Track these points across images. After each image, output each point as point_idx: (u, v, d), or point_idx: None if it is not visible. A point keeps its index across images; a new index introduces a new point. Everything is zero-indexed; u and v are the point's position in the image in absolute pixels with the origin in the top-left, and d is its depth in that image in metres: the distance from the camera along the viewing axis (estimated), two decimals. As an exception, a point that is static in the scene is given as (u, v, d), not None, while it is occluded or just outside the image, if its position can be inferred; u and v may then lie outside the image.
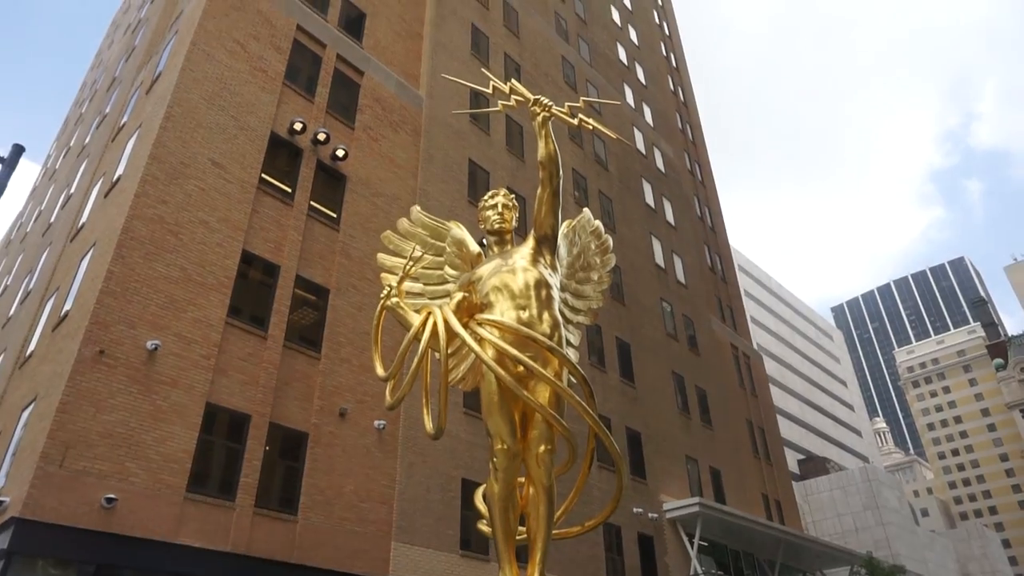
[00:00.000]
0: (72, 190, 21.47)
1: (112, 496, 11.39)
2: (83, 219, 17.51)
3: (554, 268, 5.11)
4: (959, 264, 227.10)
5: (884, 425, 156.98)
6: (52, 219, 22.62)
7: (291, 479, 14.44)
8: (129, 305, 12.99)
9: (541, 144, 5.06)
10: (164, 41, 19.44)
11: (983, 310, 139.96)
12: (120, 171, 16.13)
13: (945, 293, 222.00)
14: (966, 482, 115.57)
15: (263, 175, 16.55)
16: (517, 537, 4.67)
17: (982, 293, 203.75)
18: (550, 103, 5.13)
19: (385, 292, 5.02)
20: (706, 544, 25.17)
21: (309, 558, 13.72)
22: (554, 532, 4.68)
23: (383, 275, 5.43)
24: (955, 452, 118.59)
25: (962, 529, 74.40)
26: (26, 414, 13.18)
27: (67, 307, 14.29)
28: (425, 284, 5.58)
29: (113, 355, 12.40)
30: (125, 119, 19.10)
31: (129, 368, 12.54)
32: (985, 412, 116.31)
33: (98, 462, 11.57)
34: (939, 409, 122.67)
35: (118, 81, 24.25)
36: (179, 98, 15.54)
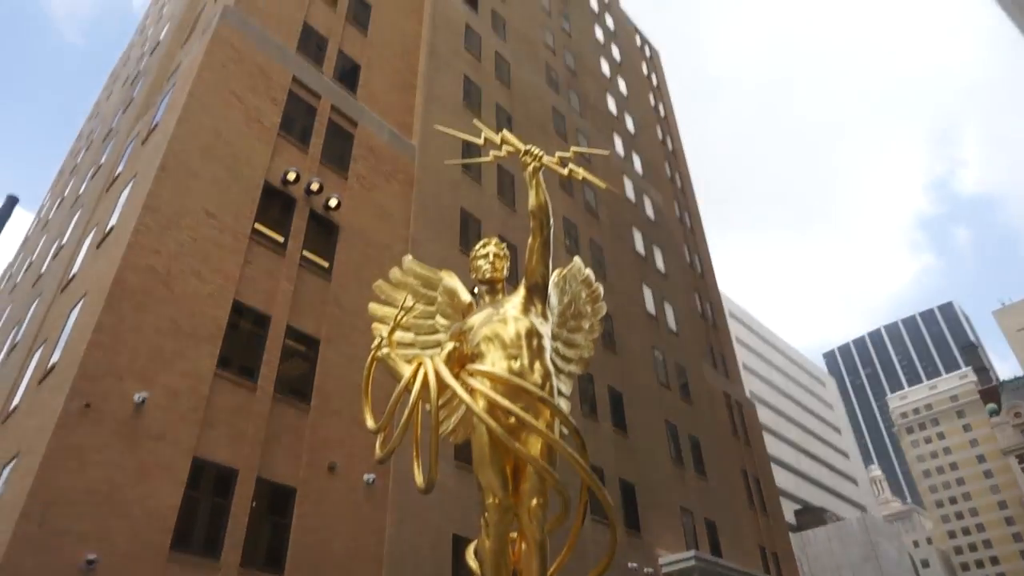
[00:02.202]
0: (64, 240, 21.46)
1: (93, 557, 11.03)
2: (74, 269, 17.45)
3: (545, 317, 5.10)
4: (948, 309, 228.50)
5: (880, 473, 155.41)
6: (43, 270, 22.53)
7: (278, 536, 14.08)
8: (118, 357, 12.84)
9: (532, 193, 5.11)
10: (162, 93, 19.73)
11: (974, 355, 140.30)
12: (113, 221, 16.15)
13: (936, 338, 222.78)
14: (966, 531, 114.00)
15: (256, 225, 16.61)
16: (510, 595, 4.54)
17: (972, 338, 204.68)
18: (541, 153, 5.19)
19: (376, 342, 4.98)
20: (704, 598, 24.51)
21: (296, 618, 13.27)
22: (548, 590, 4.55)
23: (374, 325, 5.40)
24: (953, 500, 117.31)
25: (964, 580, 73.06)
26: (7, 471, 12.85)
27: (54, 359, 14.11)
28: (416, 334, 5.55)
29: (99, 409, 12.19)
30: (120, 169, 19.23)
31: (115, 422, 12.32)
32: (981, 459, 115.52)
33: (80, 521, 11.25)
34: (934, 456, 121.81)
35: (114, 132, 24.50)
36: (175, 149, 15.69)
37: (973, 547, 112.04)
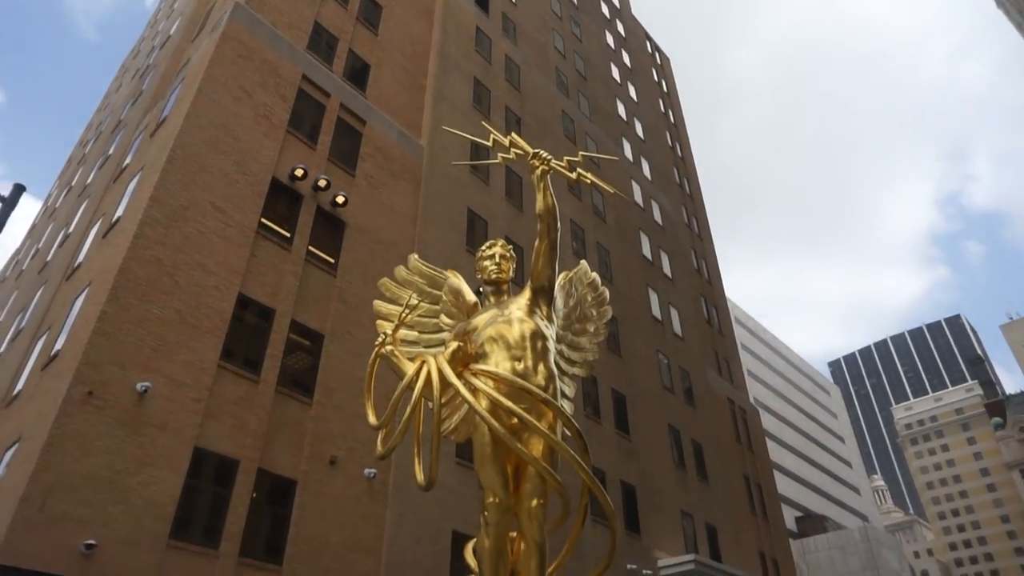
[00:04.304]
0: (71, 229, 21.55)
1: (92, 542, 11.09)
2: (80, 259, 17.53)
3: (550, 319, 5.10)
4: (955, 322, 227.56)
5: (883, 483, 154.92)
6: (49, 257, 22.64)
7: (277, 527, 14.11)
8: (121, 346, 12.89)
9: (539, 196, 5.11)
10: (171, 86, 19.79)
11: (980, 368, 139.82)
12: (120, 212, 16.22)
13: (942, 350, 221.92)
14: (967, 543, 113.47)
15: (263, 220, 16.66)
16: (508, 594, 4.53)
17: (979, 351, 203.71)
18: (549, 156, 5.19)
19: (380, 339, 4.98)
20: (702, 604, 24.45)
21: (293, 612, 13.30)
22: (545, 590, 4.55)
23: (379, 322, 5.40)
24: (955, 512, 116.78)
25: (963, 593, 72.66)
26: (9, 455, 12.93)
27: (58, 346, 14.18)
28: (420, 332, 5.56)
29: (102, 396, 12.24)
30: (128, 161, 19.30)
31: (117, 410, 12.36)
32: (985, 472, 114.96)
33: (80, 506, 11.30)
34: (938, 468, 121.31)
35: (123, 124, 24.59)
36: (183, 142, 15.74)
37: (974, 559, 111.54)
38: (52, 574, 10.64)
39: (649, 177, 39.75)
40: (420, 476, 4.58)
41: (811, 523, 56.12)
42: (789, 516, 52.08)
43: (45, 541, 10.75)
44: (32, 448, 11.69)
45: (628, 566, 22.16)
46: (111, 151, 23.33)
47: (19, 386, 15.46)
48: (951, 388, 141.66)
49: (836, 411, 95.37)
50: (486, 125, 5.81)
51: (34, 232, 32.71)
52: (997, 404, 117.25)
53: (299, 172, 17.72)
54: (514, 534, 4.61)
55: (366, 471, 15.85)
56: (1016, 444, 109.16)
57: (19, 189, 11.40)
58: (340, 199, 18.41)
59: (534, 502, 4.47)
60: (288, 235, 17.15)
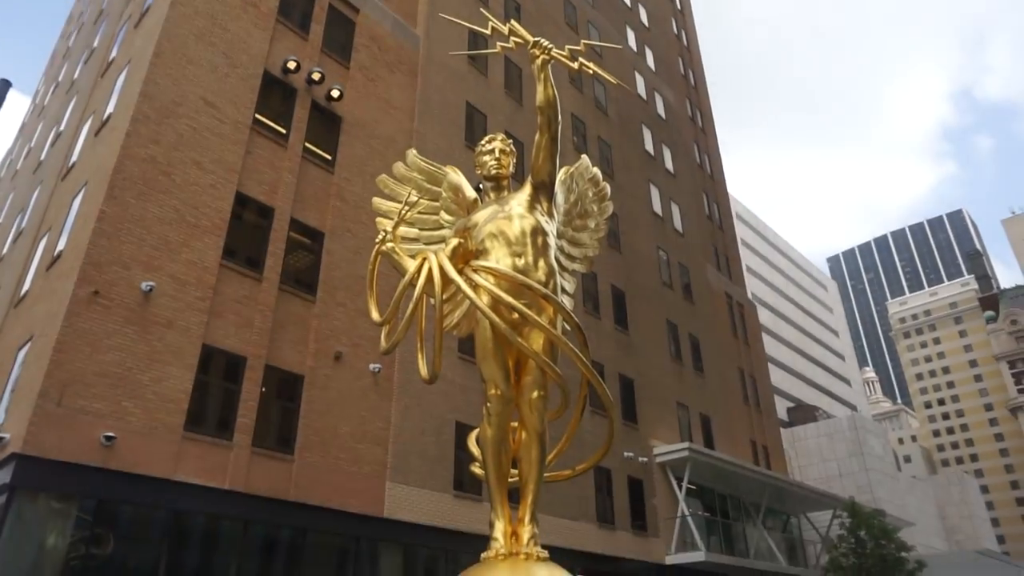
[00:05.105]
0: (62, 127, 21.06)
1: (111, 434, 11.55)
2: (74, 158, 17.24)
3: (551, 215, 5.07)
4: (957, 217, 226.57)
5: (873, 375, 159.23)
6: (42, 157, 22.26)
7: (287, 420, 14.65)
8: (123, 246, 12.91)
9: (540, 88, 4.95)
10: (152, -28, 18.77)
11: (978, 263, 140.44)
12: (110, 109, 15.80)
13: (941, 246, 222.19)
14: (950, 431, 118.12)
15: (256, 115, 16.25)
16: (509, 480, 4.76)
17: (978, 246, 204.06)
18: (550, 45, 4.99)
19: (380, 236, 4.98)
20: (694, 487, 25.79)
21: (306, 496, 14.03)
22: (545, 475, 4.78)
23: (378, 219, 5.38)
24: (941, 402, 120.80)
25: (942, 475, 76.30)
26: (23, 353, 13.25)
27: (60, 247, 14.21)
28: (421, 229, 5.54)
29: (108, 296, 12.39)
30: (114, 54, 18.60)
31: (124, 309, 12.55)
32: (973, 363, 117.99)
33: (96, 401, 11.69)
34: (928, 360, 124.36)
35: (105, 13, 23.51)
36: (169, 33, 15.11)
37: (955, 445, 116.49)
38: (76, 463, 11.16)
39: (653, 68, 38.44)
40: (424, 370, 4.70)
41: (802, 413, 58.08)
42: (781, 406, 53.99)
43: (66, 434, 11.19)
44: (44, 346, 11.96)
45: (625, 454, 23.18)
46: (95, 44, 22.42)
47: (26, 286, 15.61)
48: (947, 283, 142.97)
49: (832, 306, 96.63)
50: (484, 12, 5.56)
51: (25, 131, 31.97)
52: (991, 298, 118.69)
53: (292, 64, 17.12)
54: (515, 424, 4.79)
55: (371, 366, 16.28)
56: (1006, 337, 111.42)
57: (4, 85, 11.05)
58: (335, 93, 17.89)
59: (535, 394, 4.61)
60: (283, 131, 16.80)
